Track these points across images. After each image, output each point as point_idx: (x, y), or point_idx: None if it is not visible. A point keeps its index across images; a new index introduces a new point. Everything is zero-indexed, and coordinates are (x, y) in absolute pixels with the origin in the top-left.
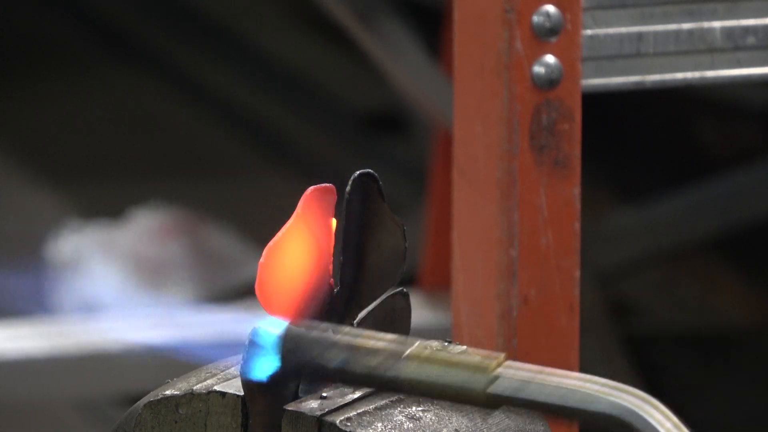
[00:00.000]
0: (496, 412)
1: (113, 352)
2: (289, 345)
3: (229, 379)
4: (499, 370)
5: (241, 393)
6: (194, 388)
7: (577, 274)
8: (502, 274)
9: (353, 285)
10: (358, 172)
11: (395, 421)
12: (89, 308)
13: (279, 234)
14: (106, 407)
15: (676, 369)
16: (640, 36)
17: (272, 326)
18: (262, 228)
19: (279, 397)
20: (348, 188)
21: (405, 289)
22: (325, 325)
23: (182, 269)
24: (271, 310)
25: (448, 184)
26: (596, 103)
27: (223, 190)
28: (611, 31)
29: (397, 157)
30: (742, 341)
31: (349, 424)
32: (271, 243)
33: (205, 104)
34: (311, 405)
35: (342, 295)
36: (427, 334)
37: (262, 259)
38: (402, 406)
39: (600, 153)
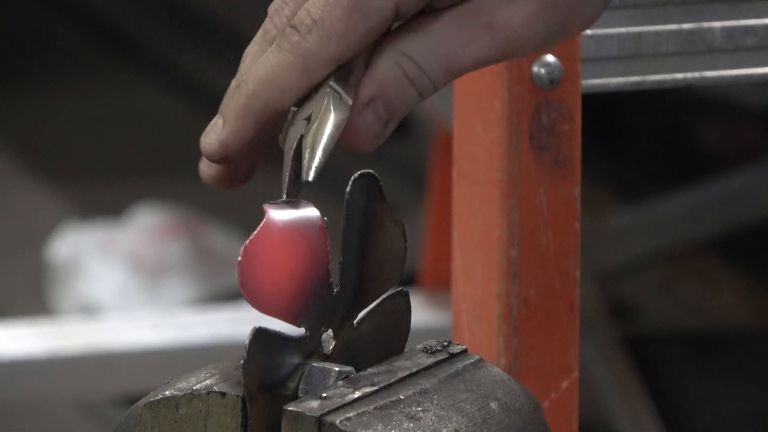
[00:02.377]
0: (496, 412)
1: (113, 352)
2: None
3: (229, 379)
4: None
5: (241, 393)
6: (194, 388)
7: (577, 274)
8: (502, 274)
9: (354, 285)
10: (358, 173)
11: (395, 421)
12: (89, 308)
13: (255, 233)
14: (106, 407)
15: (676, 369)
16: (640, 36)
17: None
18: None
19: (279, 397)
20: (348, 188)
21: (405, 289)
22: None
23: (182, 269)
24: (263, 310)
25: (448, 184)
26: (596, 103)
27: (223, 190)
28: (611, 31)
29: (397, 157)
30: (742, 341)
31: (349, 424)
32: (247, 242)
33: (205, 104)
34: (311, 405)
35: (342, 296)
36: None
37: (240, 258)
38: (402, 406)
39: (600, 153)
